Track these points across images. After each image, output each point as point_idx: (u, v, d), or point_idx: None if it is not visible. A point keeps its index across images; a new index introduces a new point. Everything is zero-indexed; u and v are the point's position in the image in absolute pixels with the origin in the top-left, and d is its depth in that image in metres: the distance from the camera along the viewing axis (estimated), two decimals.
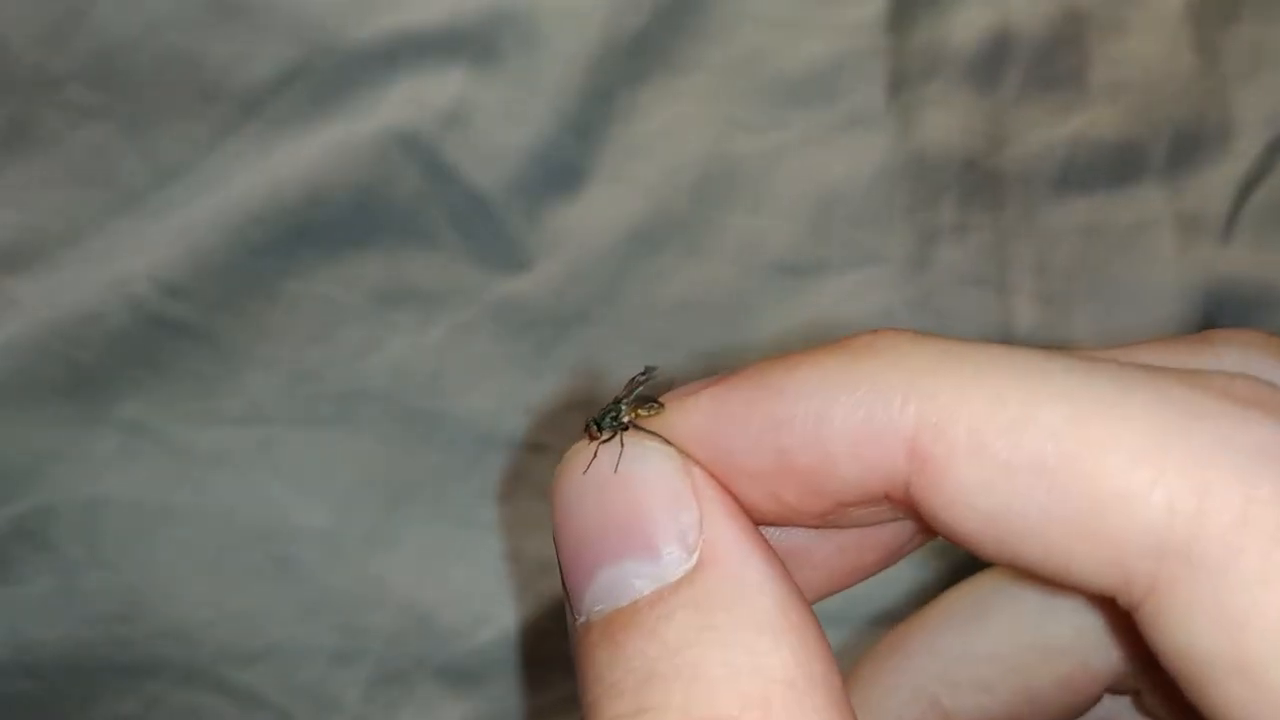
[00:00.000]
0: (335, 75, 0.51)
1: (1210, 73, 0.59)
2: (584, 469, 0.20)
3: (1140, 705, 0.26)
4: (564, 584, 0.20)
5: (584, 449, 0.21)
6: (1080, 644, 0.24)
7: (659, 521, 0.19)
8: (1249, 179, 0.57)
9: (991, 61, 0.56)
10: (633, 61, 0.54)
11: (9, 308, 0.47)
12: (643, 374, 0.23)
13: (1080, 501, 0.17)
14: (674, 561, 0.19)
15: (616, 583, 0.19)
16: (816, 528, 0.21)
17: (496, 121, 0.52)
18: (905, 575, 0.46)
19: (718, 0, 0.55)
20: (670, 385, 0.22)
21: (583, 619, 0.19)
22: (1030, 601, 0.25)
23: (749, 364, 0.20)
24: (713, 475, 0.20)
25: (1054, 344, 0.51)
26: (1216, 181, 0.57)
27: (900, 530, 0.22)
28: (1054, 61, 0.57)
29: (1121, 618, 0.18)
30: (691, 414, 0.20)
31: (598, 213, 0.52)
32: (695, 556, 0.19)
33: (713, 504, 0.19)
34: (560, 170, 0.52)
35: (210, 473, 0.47)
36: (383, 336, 0.50)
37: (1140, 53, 0.58)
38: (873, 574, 0.23)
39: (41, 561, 0.46)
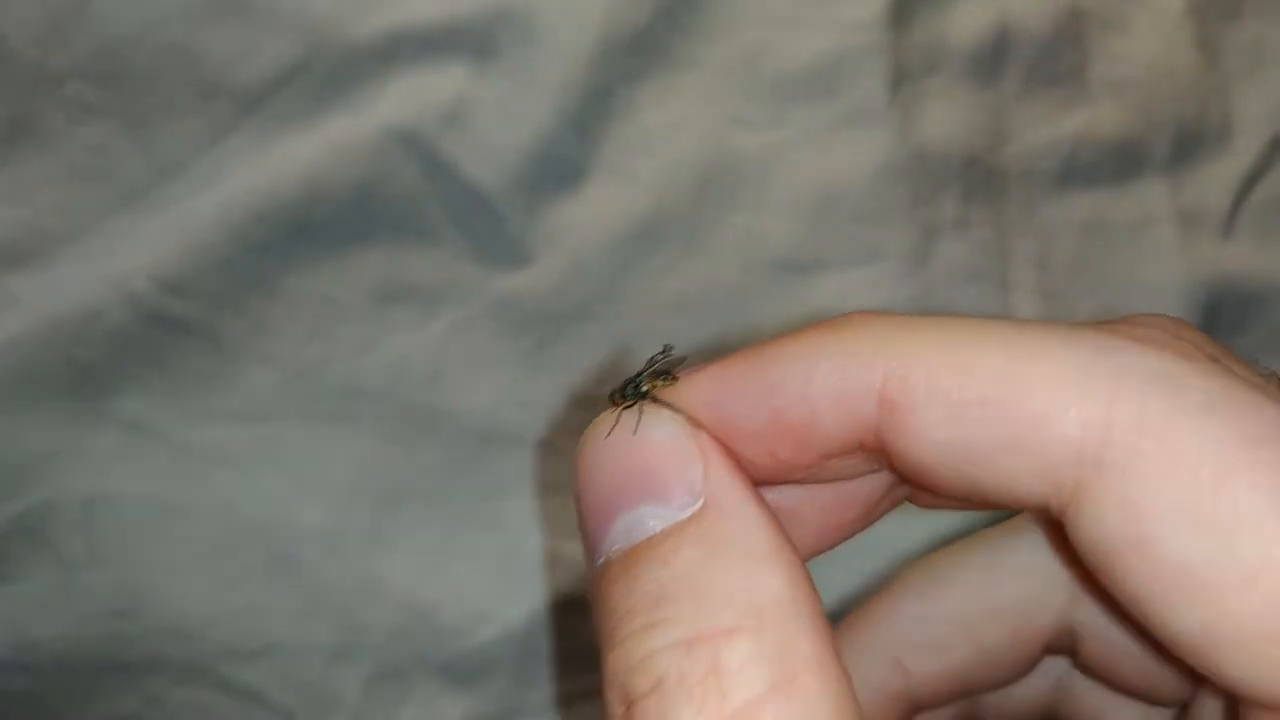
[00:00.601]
0: (335, 72, 0.51)
1: (1211, 70, 0.58)
2: (607, 433, 0.24)
3: (1078, 663, 0.30)
4: (584, 533, 0.24)
5: (607, 417, 0.24)
6: (1023, 603, 0.29)
7: (671, 473, 0.23)
8: (1250, 176, 0.57)
9: (993, 58, 0.56)
10: (633, 58, 0.53)
11: (9, 305, 0.47)
12: (661, 352, 0.27)
13: (1016, 425, 0.21)
14: (683, 504, 0.22)
15: (634, 524, 0.23)
16: (805, 482, 0.25)
17: (496, 118, 0.52)
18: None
19: None
20: (685, 362, 0.26)
21: (601, 559, 0.23)
22: (978, 569, 0.29)
23: (744, 347, 0.24)
24: (716, 438, 0.24)
25: None
26: (1217, 178, 0.57)
27: (873, 489, 0.26)
28: (1055, 58, 0.57)
29: (1060, 537, 0.23)
30: (699, 386, 0.24)
31: (598, 209, 0.52)
32: (701, 501, 0.22)
33: (715, 460, 0.23)
34: (560, 167, 0.52)
35: (210, 470, 0.47)
36: (382, 333, 0.50)
37: (1141, 49, 0.58)
38: (853, 533, 0.27)
39: (41, 559, 0.46)
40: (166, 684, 0.46)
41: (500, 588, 0.48)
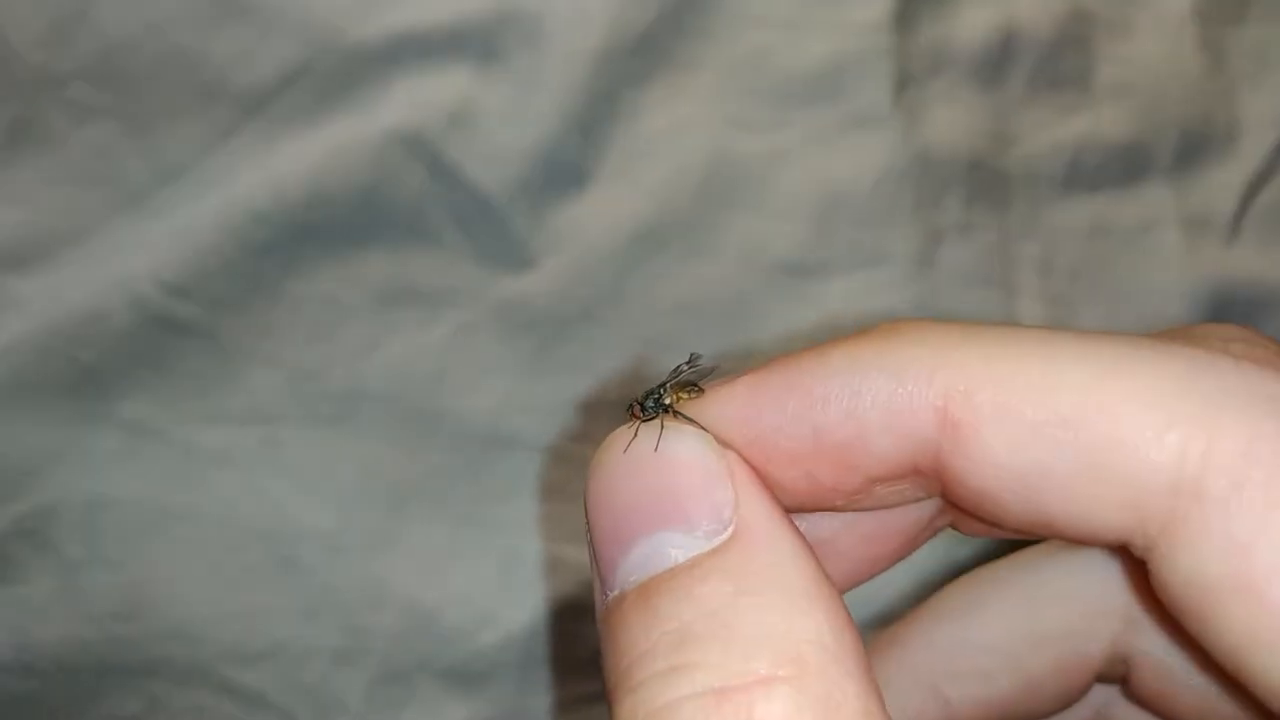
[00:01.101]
0: (338, 74, 0.51)
1: (1216, 73, 0.58)
2: (624, 448, 0.21)
3: (1128, 692, 0.27)
4: (595, 560, 0.21)
5: (624, 432, 0.22)
6: (1071, 631, 0.26)
7: (696, 496, 0.21)
8: (1255, 179, 0.57)
9: (997, 61, 0.56)
10: (637, 61, 0.53)
11: (12, 307, 0.47)
12: (687, 361, 0.25)
13: (1100, 450, 0.18)
14: (710, 532, 0.20)
15: (653, 553, 0.20)
16: (844, 510, 0.23)
17: (500, 121, 0.52)
18: (900, 579, 0.46)
19: (721, 0, 0.55)
20: (713, 373, 0.24)
21: (615, 591, 0.20)
22: (1023, 593, 0.27)
23: (780, 356, 0.22)
24: (747, 459, 0.21)
25: None
26: (1222, 182, 0.56)
27: (919, 516, 0.24)
28: (1060, 61, 0.57)
29: (1134, 572, 0.20)
30: (730, 401, 0.22)
31: (601, 212, 0.52)
32: (731, 529, 0.20)
33: (746, 484, 0.21)
34: (564, 170, 0.52)
35: (212, 472, 0.47)
36: (385, 336, 0.50)
37: (1146, 53, 0.58)
38: (891, 564, 0.25)
39: (43, 561, 0.46)
40: (168, 686, 0.46)
41: (503, 591, 0.48)
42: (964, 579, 0.28)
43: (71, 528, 0.46)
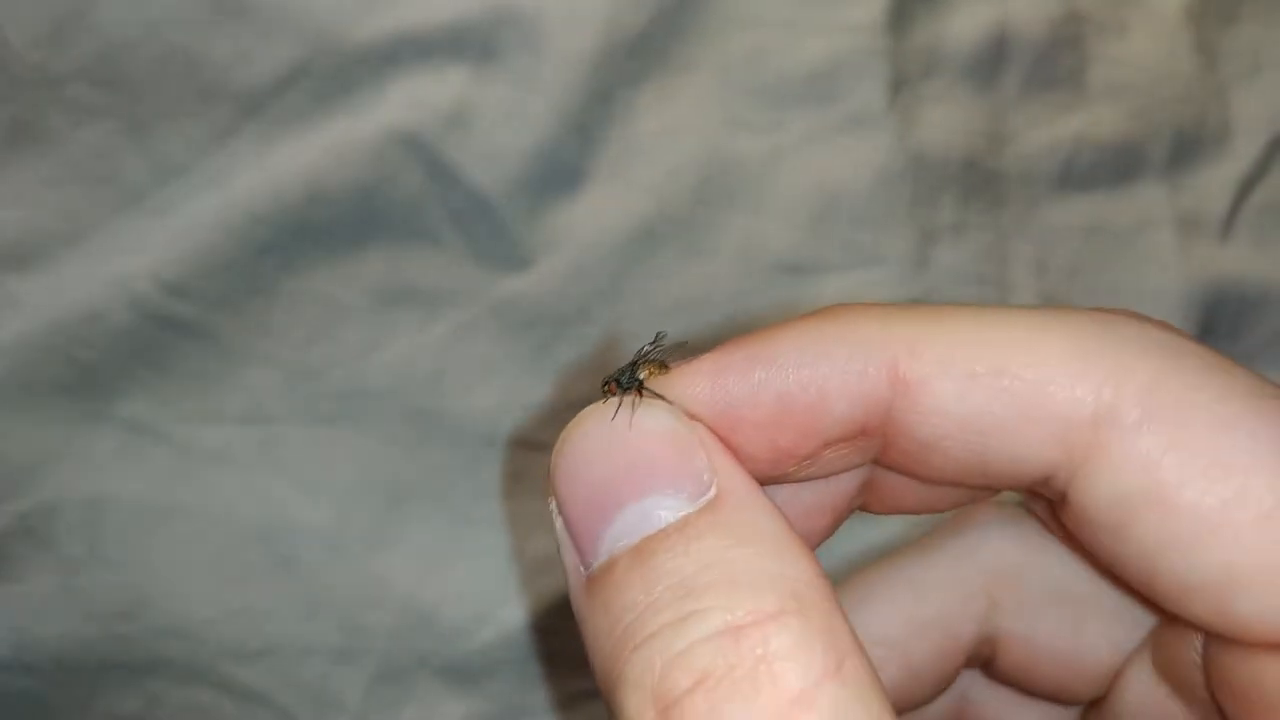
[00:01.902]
0: (336, 75, 0.51)
1: (1209, 73, 0.59)
2: (596, 424, 0.23)
3: (991, 672, 0.31)
4: (572, 535, 0.22)
5: (596, 409, 0.23)
6: (949, 615, 0.29)
7: (678, 463, 0.22)
8: (1248, 179, 0.57)
9: (991, 61, 0.57)
10: (633, 62, 0.54)
11: (11, 306, 0.47)
12: (652, 341, 0.26)
13: (1033, 394, 0.22)
14: (694, 494, 0.22)
15: (641, 517, 0.21)
16: (794, 479, 0.25)
17: (497, 121, 0.52)
18: None
19: (718, 1, 0.55)
20: (682, 348, 0.25)
21: (600, 559, 0.21)
22: (906, 583, 0.30)
23: (740, 336, 0.24)
24: (714, 431, 0.23)
25: None
26: (1216, 181, 0.57)
27: (845, 489, 0.27)
28: (1054, 62, 0.57)
29: (1051, 514, 0.24)
30: (697, 377, 0.24)
31: (598, 212, 0.52)
32: (713, 490, 0.22)
33: (718, 452, 0.23)
34: (561, 170, 0.52)
35: (211, 471, 0.47)
36: (384, 336, 0.50)
37: (1140, 53, 0.58)
38: (820, 542, 0.27)
39: (43, 559, 0.46)
40: (168, 684, 0.46)
41: (501, 589, 0.48)
42: (853, 575, 0.30)
43: (71, 526, 0.46)
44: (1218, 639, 0.24)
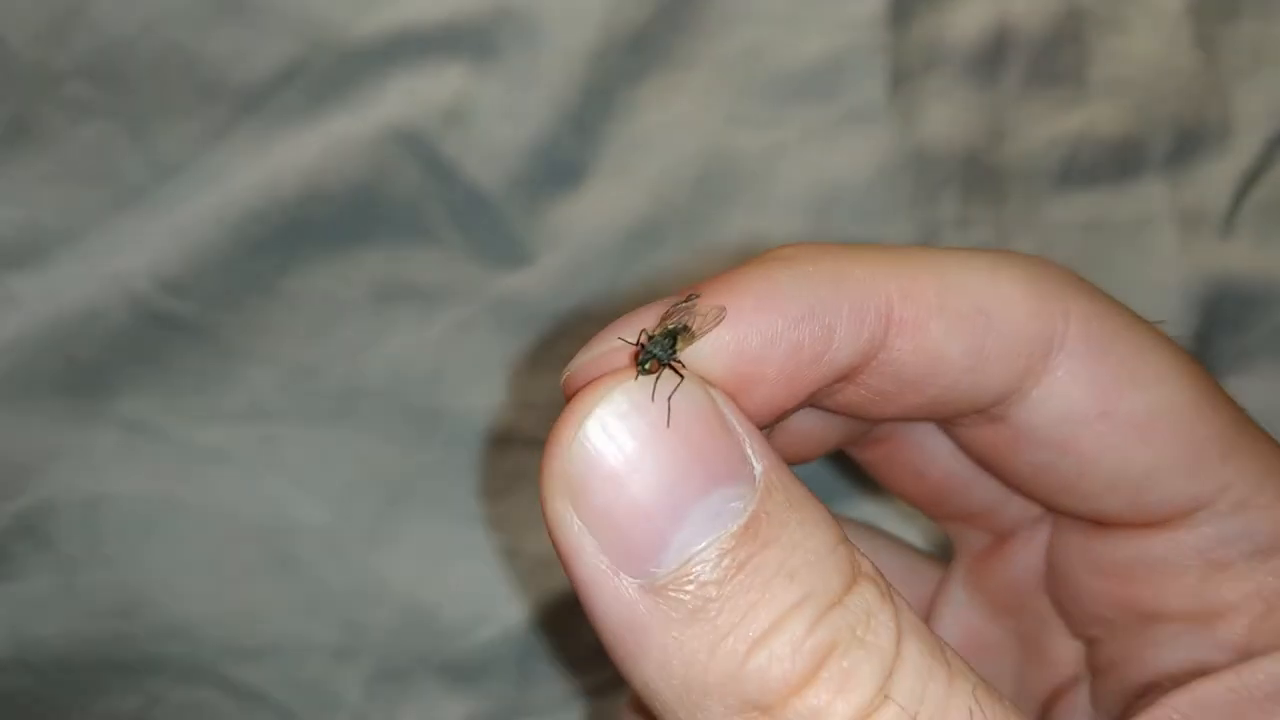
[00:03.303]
0: (335, 72, 0.51)
1: (1210, 69, 0.58)
2: (627, 417, 0.22)
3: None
4: (614, 542, 0.21)
5: (612, 394, 0.22)
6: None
7: (731, 451, 0.22)
8: (1249, 175, 0.57)
9: (992, 57, 0.56)
10: (633, 57, 0.53)
11: (9, 304, 0.47)
12: (684, 300, 0.25)
13: (1006, 323, 0.25)
14: (748, 476, 0.22)
15: (713, 514, 0.21)
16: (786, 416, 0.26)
17: (496, 118, 0.52)
18: None
19: None
20: (690, 302, 0.25)
21: (668, 567, 0.20)
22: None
23: (744, 270, 0.25)
24: (729, 394, 0.23)
25: None
26: (1217, 177, 0.57)
27: (829, 428, 0.30)
28: (1054, 57, 0.57)
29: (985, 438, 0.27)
30: (721, 341, 0.24)
31: (598, 209, 0.52)
32: (760, 471, 0.22)
33: (746, 424, 0.23)
34: (560, 166, 0.52)
35: (210, 469, 0.47)
36: (382, 333, 0.50)
37: (1140, 49, 0.58)
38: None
39: (42, 558, 0.46)
40: (167, 683, 0.46)
41: (500, 587, 0.48)
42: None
43: (70, 525, 0.46)
44: (1098, 531, 0.28)
